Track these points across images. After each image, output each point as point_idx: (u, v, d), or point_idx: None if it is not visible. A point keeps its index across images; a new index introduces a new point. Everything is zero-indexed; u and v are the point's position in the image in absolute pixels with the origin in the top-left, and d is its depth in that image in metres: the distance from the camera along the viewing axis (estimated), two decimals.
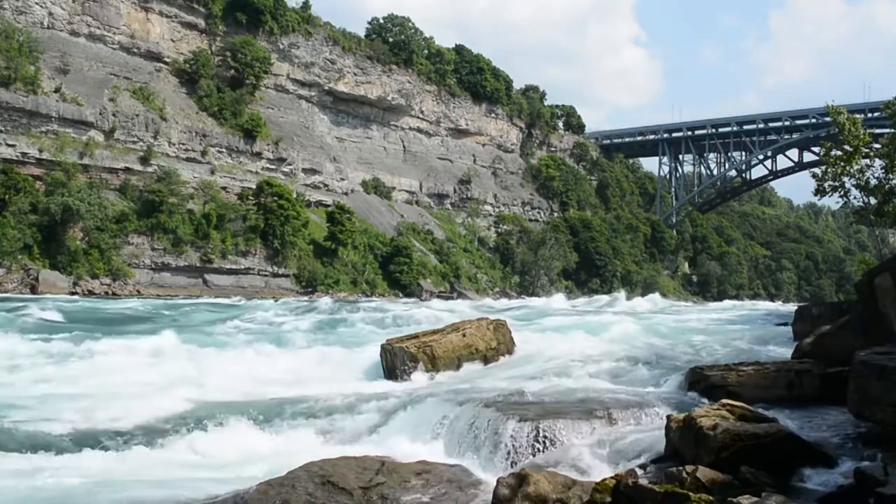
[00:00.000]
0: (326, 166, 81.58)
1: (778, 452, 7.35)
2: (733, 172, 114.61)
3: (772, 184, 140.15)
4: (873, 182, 25.99)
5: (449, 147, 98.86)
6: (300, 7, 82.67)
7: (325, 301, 44.10)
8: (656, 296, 66.76)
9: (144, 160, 62.06)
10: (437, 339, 15.68)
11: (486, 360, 15.97)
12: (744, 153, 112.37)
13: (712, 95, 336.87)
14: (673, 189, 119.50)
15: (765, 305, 66.37)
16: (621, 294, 65.44)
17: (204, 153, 67.69)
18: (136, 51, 68.21)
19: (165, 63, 70.36)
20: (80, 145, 58.03)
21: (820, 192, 26.78)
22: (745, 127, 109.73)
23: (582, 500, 6.76)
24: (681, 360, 15.45)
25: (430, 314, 29.77)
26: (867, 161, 26.43)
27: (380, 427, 11.11)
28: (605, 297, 64.63)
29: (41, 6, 61.27)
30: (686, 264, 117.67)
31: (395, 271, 74.73)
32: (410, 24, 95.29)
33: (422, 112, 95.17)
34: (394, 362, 15.34)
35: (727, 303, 72.87)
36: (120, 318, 30.07)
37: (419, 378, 14.80)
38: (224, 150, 69.91)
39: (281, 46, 79.12)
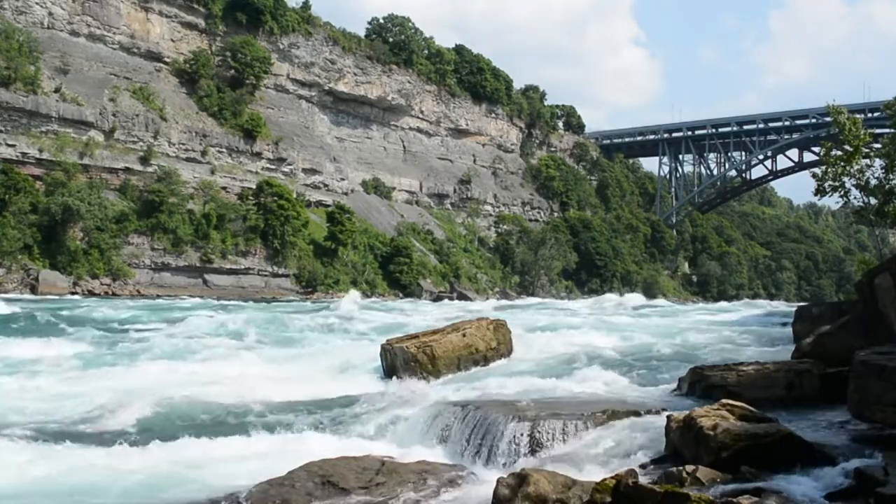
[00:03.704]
0: (326, 166, 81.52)
1: (778, 452, 7.35)
2: (733, 172, 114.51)
3: (772, 184, 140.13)
4: (873, 182, 25.94)
5: (449, 147, 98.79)
6: (300, 7, 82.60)
7: None
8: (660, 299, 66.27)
9: (144, 160, 62.00)
10: (438, 339, 15.65)
11: (486, 360, 15.95)
12: (744, 153, 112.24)
13: (712, 95, 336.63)
14: (673, 189, 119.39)
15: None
16: (618, 296, 62.14)
17: (204, 153, 67.64)
18: (136, 51, 68.17)
19: (165, 63, 70.30)
20: (80, 145, 57.98)
21: (820, 192, 26.71)
22: (745, 127, 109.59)
23: (582, 500, 6.76)
24: (680, 361, 15.45)
25: None
26: (867, 161, 26.38)
27: (380, 427, 11.11)
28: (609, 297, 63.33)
29: (41, 6, 61.24)
30: (686, 264, 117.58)
31: (395, 271, 74.67)
32: (410, 24, 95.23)
33: (422, 112, 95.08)
34: (394, 362, 15.33)
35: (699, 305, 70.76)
36: None
37: (419, 378, 14.78)
38: (224, 150, 69.86)
39: (281, 46, 79.07)
